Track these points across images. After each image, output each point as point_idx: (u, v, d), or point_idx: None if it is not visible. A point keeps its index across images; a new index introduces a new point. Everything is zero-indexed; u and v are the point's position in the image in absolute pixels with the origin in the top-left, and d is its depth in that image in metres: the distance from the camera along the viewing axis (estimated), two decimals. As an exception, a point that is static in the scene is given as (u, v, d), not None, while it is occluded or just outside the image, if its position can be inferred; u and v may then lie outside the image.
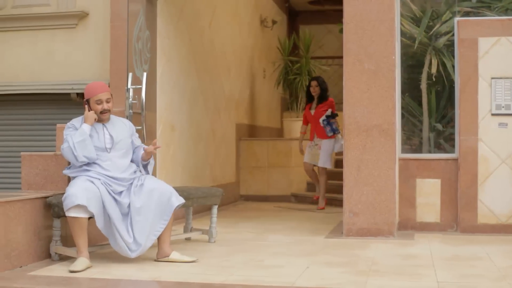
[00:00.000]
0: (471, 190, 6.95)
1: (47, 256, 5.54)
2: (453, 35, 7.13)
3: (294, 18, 15.05)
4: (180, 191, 6.05)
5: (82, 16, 7.58)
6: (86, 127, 5.37)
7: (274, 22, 12.50)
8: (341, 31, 10.09)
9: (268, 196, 10.79)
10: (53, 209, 5.43)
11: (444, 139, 7.44)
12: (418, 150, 7.37)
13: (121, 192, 5.39)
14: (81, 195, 5.09)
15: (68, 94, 7.52)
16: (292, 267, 5.20)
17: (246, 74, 11.40)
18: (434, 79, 7.28)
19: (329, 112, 9.51)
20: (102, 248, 5.78)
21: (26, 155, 5.86)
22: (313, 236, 6.89)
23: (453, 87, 7.20)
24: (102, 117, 5.50)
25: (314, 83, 9.73)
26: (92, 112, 5.44)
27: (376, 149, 6.74)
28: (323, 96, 9.67)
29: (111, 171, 5.41)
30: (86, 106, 5.48)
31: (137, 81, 6.87)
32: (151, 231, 5.37)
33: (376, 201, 6.72)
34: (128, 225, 5.31)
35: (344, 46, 6.87)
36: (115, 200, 5.32)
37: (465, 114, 6.99)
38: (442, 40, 7.24)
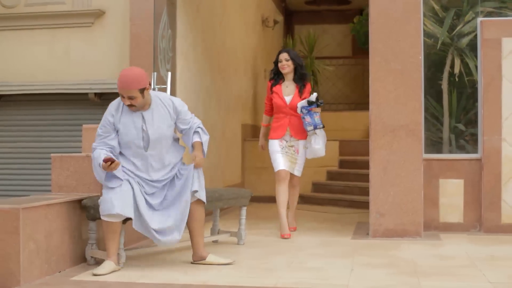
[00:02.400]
0: (494, 190, 6.95)
1: (83, 260, 5.43)
2: (475, 35, 7.12)
3: (290, 18, 15.00)
4: (211, 192, 5.98)
5: (98, 14, 7.47)
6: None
7: (275, 22, 12.45)
8: (353, 30, 10.17)
9: (273, 197, 10.68)
10: (88, 211, 5.31)
11: (465, 139, 7.43)
12: (439, 150, 7.35)
13: (153, 193, 5.29)
14: (117, 202, 4.96)
15: (86, 94, 7.40)
16: (336, 269, 5.14)
17: (250, 74, 11.34)
18: (456, 79, 7.26)
19: (313, 96, 6.79)
20: (137, 251, 5.69)
21: (57, 156, 5.72)
22: (338, 237, 6.83)
23: (475, 87, 7.20)
24: (130, 109, 5.22)
25: (284, 55, 7.00)
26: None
27: (403, 150, 6.71)
28: (301, 76, 7.08)
29: (145, 172, 5.28)
30: None
31: (160, 80, 6.77)
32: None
33: (403, 202, 6.69)
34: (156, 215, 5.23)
35: (370, 46, 6.83)
36: (146, 200, 5.21)
37: (488, 114, 6.99)
38: (465, 40, 7.23)
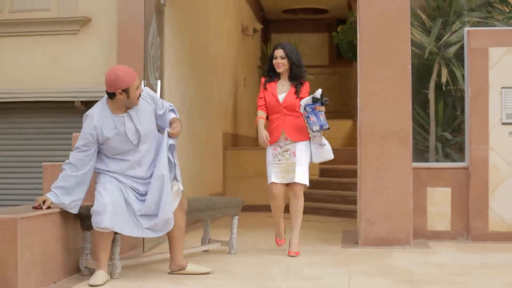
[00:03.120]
0: (482, 198, 7.01)
1: (76, 270, 5.33)
2: (462, 45, 7.19)
3: (267, 27, 15.03)
4: (205, 200, 5.96)
5: (84, 22, 7.37)
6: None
7: (255, 30, 12.46)
8: (336, 39, 10.22)
9: (255, 206, 10.64)
10: (83, 221, 5.23)
11: (451, 148, 7.50)
12: (426, 159, 7.39)
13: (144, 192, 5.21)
14: (107, 216, 4.89)
15: (72, 102, 7.29)
16: (334, 278, 5.14)
17: (230, 82, 11.32)
18: (444, 88, 7.32)
19: (318, 92, 6.10)
20: (131, 261, 5.62)
21: (48, 165, 5.64)
22: (328, 246, 6.83)
23: (461, 96, 7.27)
24: (137, 102, 5.15)
25: (279, 52, 6.27)
26: None
27: (393, 158, 6.74)
28: (296, 75, 6.31)
29: (138, 166, 5.19)
30: None
31: (150, 88, 6.70)
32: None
33: (393, 210, 6.72)
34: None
35: (359, 54, 6.85)
36: (137, 199, 5.17)
37: (476, 123, 7.05)
38: (452, 50, 7.30)
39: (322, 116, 6.07)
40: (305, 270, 5.46)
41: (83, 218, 5.22)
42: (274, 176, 6.17)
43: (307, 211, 10.14)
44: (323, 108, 6.09)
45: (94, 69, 7.33)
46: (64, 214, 5.14)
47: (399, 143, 6.73)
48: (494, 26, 7.28)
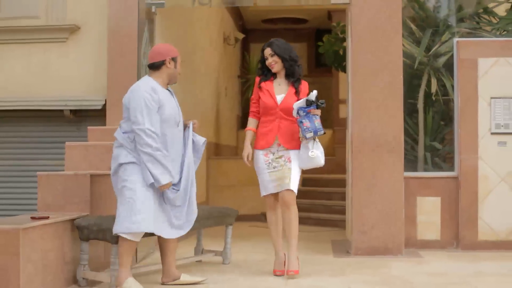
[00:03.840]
0: (471, 208, 7.06)
1: (73, 281, 5.26)
2: (452, 55, 7.25)
3: (246, 37, 15.03)
4: (200, 211, 5.89)
5: (73, 29, 7.33)
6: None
7: (236, 39, 12.45)
8: (321, 49, 10.25)
9: (239, 216, 10.61)
10: (81, 231, 5.17)
11: (440, 157, 7.55)
12: (414, 168, 7.43)
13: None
14: (151, 222, 4.85)
15: (61, 110, 7.22)
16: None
17: (213, 91, 11.28)
18: (434, 98, 7.38)
19: (313, 94, 5.55)
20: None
21: (43, 175, 5.55)
22: (320, 256, 6.81)
23: (451, 106, 7.33)
24: (178, 78, 5.22)
25: (267, 51, 5.74)
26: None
27: (385, 167, 6.76)
28: (292, 72, 5.75)
29: (172, 150, 5.09)
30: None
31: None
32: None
33: (385, 220, 6.74)
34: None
35: (351, 65, 6.88)
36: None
37: (465, 133, 7.11)
38: (442, 60, 7.36)
39: (317, 121, 5.53)
40: (303, 281, 5.44)
41: (81, 229, 5.15)
42: (269, 188, 5.64)
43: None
44: (318, 112, 5.55)
45: (83, 77, 7.30)
46: (62, 224, 5.07)
47: (391, 153, 6.76)
48: (483, 37, 7.35)
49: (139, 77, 6.47)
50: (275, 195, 5.69)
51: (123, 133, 4.91)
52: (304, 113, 5.50)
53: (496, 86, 7.09)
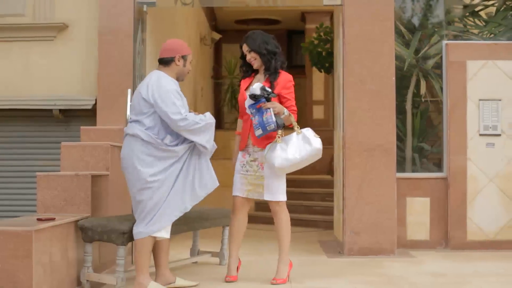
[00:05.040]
0: (460, 208, 7.16)
1: (77, 283, 5.16)
2: (441, 57, 7.33)
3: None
4: (198, 212, 5.86)
5: (61, 28, 7.20)
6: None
7: (213, 40, 12.39)
8: (305, 50, 10.26)
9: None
10: (85, 233, 5.08)
11: (427, 158, 7.63)
12: (402, 169, 7.49)
13: None
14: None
15: (50, 110, 7.09)
16: (341, 288, 5.15)
17: (191, 92, 11.21)
18: (423, 100, 7.45)
19: (256, 87, 5.13)
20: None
21: (42, 175, 5.43)
22: (313, 257, 6.81)
23: (439, 108, 7.41)
24: (185, 77, 5.23)
25: (244, 48, 5.42)
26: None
27: (378, 169, 6.81)
28: (269, 65, 5.34)
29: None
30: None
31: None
32: None
33: (378, 220, 6.79)
34: None
35: (345, 67, 6.90)
36: None
37: (454, 135, 7.20)
38: (431, 62, 7.44)
39: (267, 115, 5.03)
40: (307, 282, 5.44)
41: (85, 230, 5.07)
42: (239, 189, 5.40)
43: (270, 221, 10.15)
44: (271, 104, 5.08)
45: (72, 77, 7.20)
46: (66, 225, 4.97)
47: (383, 155, 6.82)
48: (471, 39, 7.45)
49: (135, 77, 6.39)
50: (245, 199, 5.45)
51: (145, 129, 4.83)
52: (254, 110, 5.12)
53: (484, 88, 7.20)
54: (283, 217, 5.42)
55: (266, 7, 12.86)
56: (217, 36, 12.66)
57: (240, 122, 5.53)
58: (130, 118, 4.97)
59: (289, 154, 5.12)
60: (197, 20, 11.72)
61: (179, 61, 5.04)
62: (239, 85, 5.57)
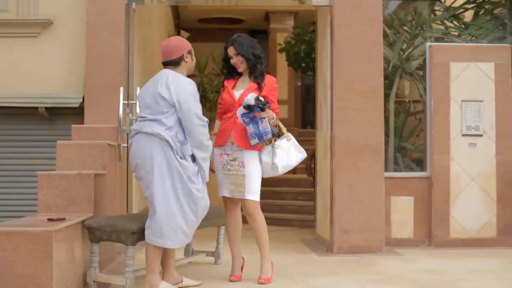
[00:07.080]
0: (443, 207, 7.31)
1: (83, 284, 5.08)
2: (424, 59, 7.47)
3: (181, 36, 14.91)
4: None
5: (46, 24, 7.07)
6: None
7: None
8: (281, 50, 10.29)
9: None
10: (93, 233, 5.00)
11: (409, 158, 7.77)
12: (385, 169, 7.58)
13: None
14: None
15: (35, 108, 6.94)
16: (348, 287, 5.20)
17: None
18: (407, 101, 7.58)
19: (250, 98, 5.24)
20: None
21: (44, 174, 5.32)
22: (303, 255, 6.85)
23: (422, 109, 7.55)
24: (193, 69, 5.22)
25: (230, 50, 5.42)
26: None
27: (367, 168, 6.90)
28: (254, 70, 5.41)
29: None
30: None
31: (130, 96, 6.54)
32: None
33: (367, 219, 6.87)
34: None
35: (334, 67, 6.95)
36: None
37: (438, 135, 7.35)
38: (414, 64, 7.57)
39: (263, 125, 5.17)
40: (310, 280, 5.47)
41: (93, 230, 4.99)
42: (225, 189, 5.42)
43: (243, 220, 10.20)
44: (266, 114, 5.20)
45: (57, 74, 7.09)
46: (74, 225, 4.89)
47: (372, 155, 6.91)
48: (453, 41, 7.61)
49: (130, 75, 6.31)
50: (230, 200, 5.52)
51: (165, 129, 4.78)
52: (248, 119, 5.20)
53: (467, 89, 7.36)
54: (259, 217, 5.47)
55: (282, 6, 12.90)
56: (185, 34, 12.58)
57: (217, 123, 5.54)
58: (142, 117, 4.90)
59: (292, 160, 5.43)
60: (164, 18, 11.62)
61: (187, 57, 5.03)
62: (223, 86, 5.56)
